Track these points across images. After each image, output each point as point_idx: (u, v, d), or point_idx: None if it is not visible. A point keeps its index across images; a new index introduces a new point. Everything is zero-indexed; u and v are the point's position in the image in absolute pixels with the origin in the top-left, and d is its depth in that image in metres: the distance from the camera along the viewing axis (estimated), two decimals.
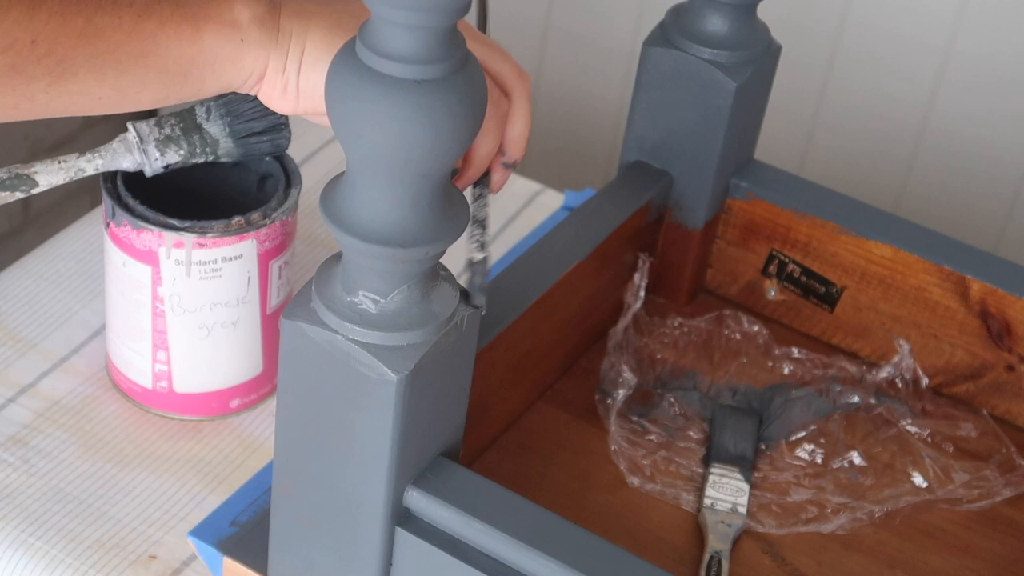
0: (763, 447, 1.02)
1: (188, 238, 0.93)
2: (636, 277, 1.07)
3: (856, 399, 1.05)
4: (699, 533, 0.96)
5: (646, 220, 1.07)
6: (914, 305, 1.06)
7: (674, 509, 0.97)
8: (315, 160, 1.27)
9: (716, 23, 1.02)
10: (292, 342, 0.76)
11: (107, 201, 0.95)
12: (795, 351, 1.08)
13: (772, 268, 1.11)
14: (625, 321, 1.06)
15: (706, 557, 0.93)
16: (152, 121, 0.94)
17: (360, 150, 0.70)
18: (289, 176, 0.98)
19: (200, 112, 0.94)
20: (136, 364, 1.00)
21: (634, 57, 1.09)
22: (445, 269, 0.78)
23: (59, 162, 0.92)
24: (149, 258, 0.94)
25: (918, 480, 1.01)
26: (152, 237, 0.93)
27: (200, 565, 0.91)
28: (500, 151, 0.84)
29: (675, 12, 1.05)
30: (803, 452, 1.02)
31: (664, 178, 1.07)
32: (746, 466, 0.99)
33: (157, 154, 0.93)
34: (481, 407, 0.91)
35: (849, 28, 1.67)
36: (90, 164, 0.92)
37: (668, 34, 1.04)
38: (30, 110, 0.73)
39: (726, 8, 1.02)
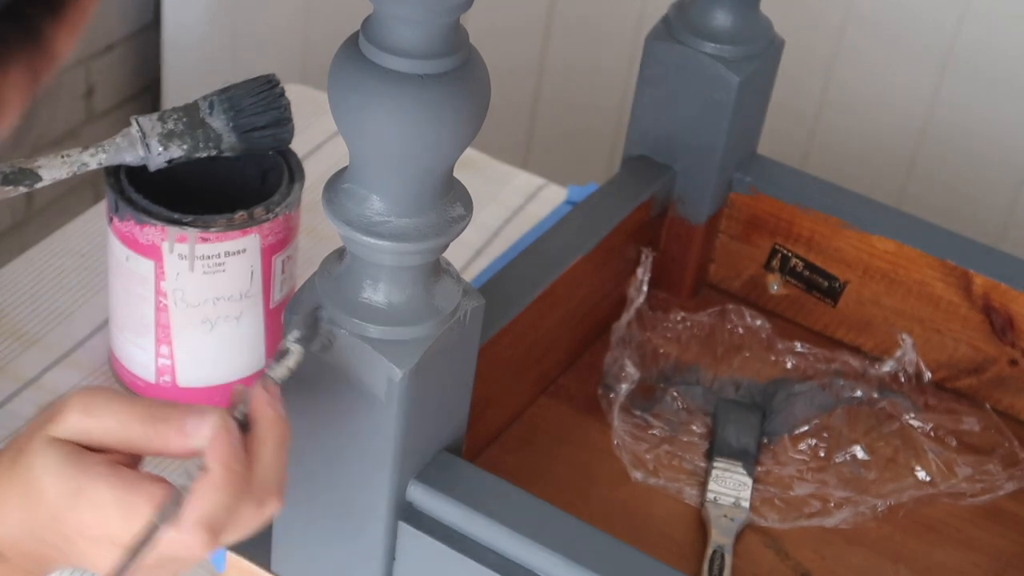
0: (766, 441, 1.02)
1: (191, 232, 0.93)
2: (639, 271, 1.07)
3: (859, 393, 1.05)
4: (702, 527, 0.96)
5: (649, 215, 1.07)
6: (917, 300, 1.06)
7: (677, 503, 0.97)
8: (318, 155, 1.27)
9: (719, 18, 1.02)
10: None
11: (110, 195, 0.95)
12: (798, 345, 1.08)
13: (775, 263, 1.11)
14: (628, 315, 1.06)
15: (709, 551, 0.93)
16: (155, 116, 0.94)
17: (363, 145, 0.70)
18: (292, 171, 0.98)
19: (203, 106, 0.94)
20: (139, 358, 1.00)
21: (637, 52, 1.09)
22: (448, 263, 0.78)
23: (62, 156, 0.92)
24: (152, 252, 0.94)
25: (921, 474, 1.01)
26: (155, 231, 0.93)
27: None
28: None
29: (678, 7, 1.05)
30: (806, 446, 1.02)
31: (667, 173, 1.07)
32: (749, 460, 0.99)
33: (160, 148, 0.93)
34: (484, 402, 0.92)
35: (852, 22, 1.66)
36: (93, 159, 0.93)
37: (671, 29, 1.04)
38: None
39: (729, 3, 1.02)
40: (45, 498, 0.67)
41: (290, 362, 0.72)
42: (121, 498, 0.66)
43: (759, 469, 1.00)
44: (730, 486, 0.97)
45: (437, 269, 0.76)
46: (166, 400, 0.70)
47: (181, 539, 0.66)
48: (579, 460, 0.99)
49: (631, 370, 1.02)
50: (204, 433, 0.68)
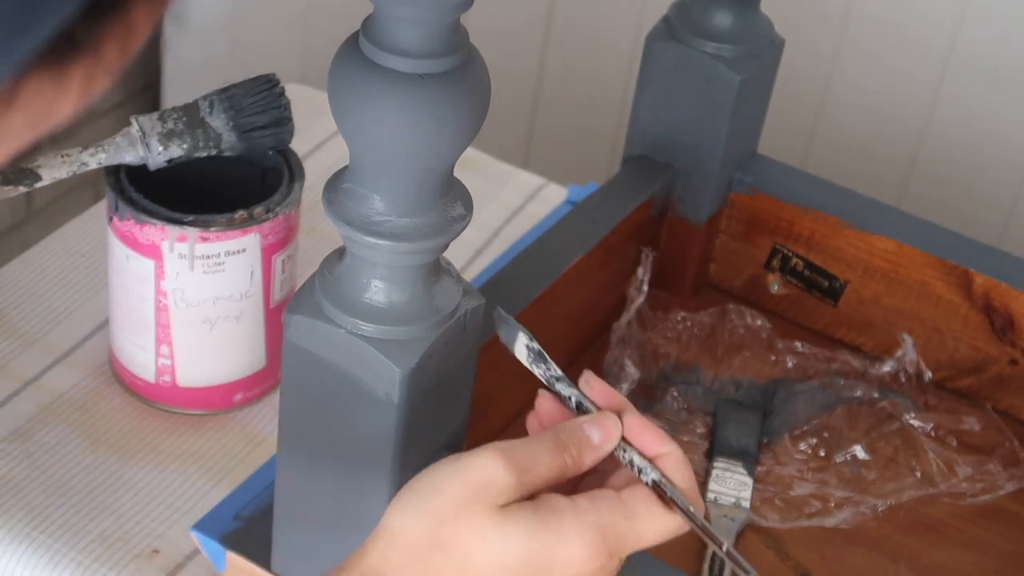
0: (766, 441, 1.02)
1: (191, 232, 0.93)
2: (639, 271, 1.06)
3: (859, 393, 1.05)
4: None
5: (649, 214, 1.07)
6: (917, 299, 1.06)
7: None
8: (318, 154, 1.27)
9: (720, 17, 1.02)
10: (295, 336, 0.76)
11: (110, 195, 0.95)
12: (798, 345, 1.08)
13: (775, 262, 1.11)
14: (628, 315, 1.06)
15: (709, 551, 0.93)
16: (155, 115, 0.94)
17: (363, 144, 0.70)
18: (292, 170, 0.98)
19: (203, 106, 0.94)
20: (139, 358, 1.00)
21: (637, 51, 1.09)
22: (448, 263, 0.78)
23: (62, 156, 0.92)
24: (152, 252, 0.94)
25: (921, 474, 1.01)
26: (155, 231, 0.93)
27: (203, 559, 0.91)
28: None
29: (679, 6, 1.05)
30: (806, 446, 1.02)
31: (667, 172, 1.07)
32: (749, 460, 0.99)
33: (160, 148, 0.93)
34: (484, 401, 0.91)
35: (853, 22, 1.66)
36: (93, 158, 0.93)
37: (672, 28, 1.03)
38: None
39: (729, 2, 1.02)
40: (522, 569, 0.65)
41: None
42: (638, 512, 0.66)
43: (759, 469, 1.00)
44: (730, 486, 0.97)
45: (437, 269, 0.76)
46: (554, 427, 0.70)
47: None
48: None
49: (631, 370, 1.02)
50: (615, 437, 0.69)
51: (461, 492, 0.65)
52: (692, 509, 0.67)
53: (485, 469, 0.65)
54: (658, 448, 0.68)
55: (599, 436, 0.69)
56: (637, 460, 0.68)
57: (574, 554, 0.65)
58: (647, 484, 0.68)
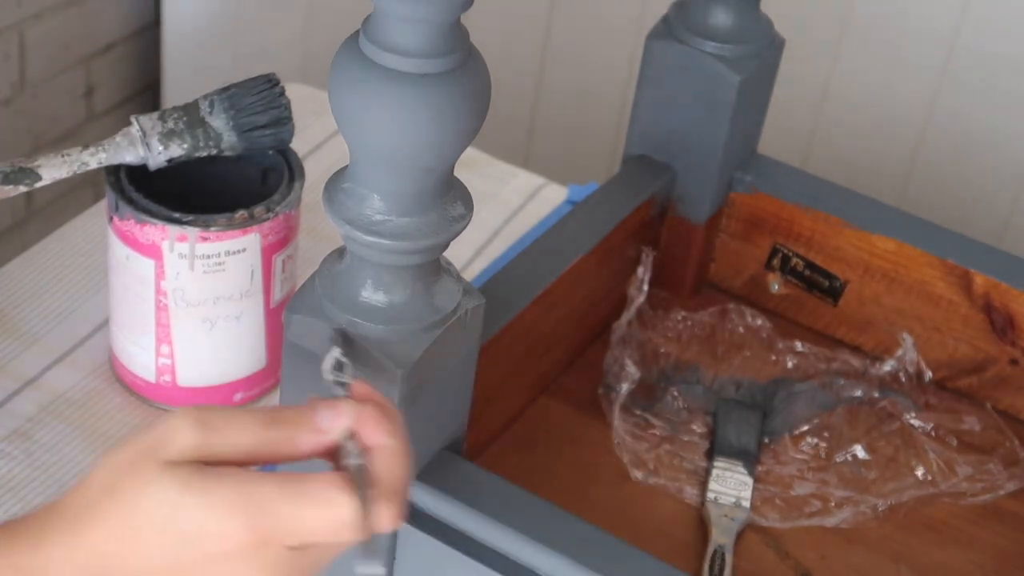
0: (766, 441, 1.02)
1: (191, 232, 0.93)
2: (639, 271, 1.06)
3: (859, 393, 1.05)
4: (702, 527, 0.96)
5: (649, 214, 1.07)
6: (917, 299, 1.06)
7: (677, 503, 0.97)
8: (319, 154, 1.27)
9: (720, 17, 1.02)
10: (295, 336, 0.76)
11: (110, 195, 0.95)
12: (799, 345, 1.08)
13: (775, 262, 1.11)
14: (628, 315, 1.06)
15: (709, 551, 0.93)
16: (156, 115, 0.94)
17: (363, 144, 0.70)
18: (292, 170, 0.98)
19: (204, 106, 0.94)
20: (139, 358, 1.00)
21: (637, 51, 1.09)
22: (448, 263, 0.78)
23: (62, 156, 0.92)
24: (152, 252, 0.94)
25: (921, 474, 1.01)
26: (155, 231, 0.93)
27: None
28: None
29: (679, 6, 1.05)
30: (806, 446, 1.02)
31: (667, 172, 1.07)
32: (749, 460, 0.99)
33: (160, 148, 0.93)
34: (485, 401, 0.91)
35: (853, 21, 1.66)
36: (93, 158, 0.93)
37: (672, 28, 1.04)
38: None
39: (730, 2, 1.02)
40: (171, 530, 0.60)
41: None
42: (304, 492, 0.60)
43: (760, 468, 1.00)
44: (731, 486, 0.97)
45: (437, 268, 0.76)
46: (277, 406, 0.64)
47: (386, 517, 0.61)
48: (580, 460, 0.99)
49: (631, 369, 1.02)
50: (342, 423, 0.63)
51: (142, 445, 0.61)
52: (367, 499, 0.60)
53: (171, 424, 0.61)
54: (378, 438, 0.63)
55: (327, 420, 0.62)
56: (351, 446, 0.62)
57: (224, 526, 0.59)
58: (345, 467, 0.61)
